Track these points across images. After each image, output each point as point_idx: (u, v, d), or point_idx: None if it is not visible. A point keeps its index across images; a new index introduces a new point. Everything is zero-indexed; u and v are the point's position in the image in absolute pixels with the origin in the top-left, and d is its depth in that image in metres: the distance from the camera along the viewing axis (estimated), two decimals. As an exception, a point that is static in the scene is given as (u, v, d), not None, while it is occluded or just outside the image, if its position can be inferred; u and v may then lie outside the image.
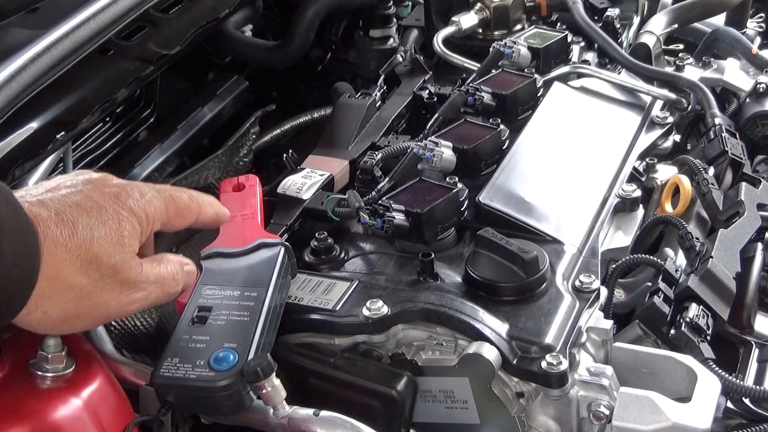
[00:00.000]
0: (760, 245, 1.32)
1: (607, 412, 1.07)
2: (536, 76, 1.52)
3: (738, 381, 1.13)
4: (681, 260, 1.33)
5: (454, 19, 1.82)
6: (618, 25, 1.80)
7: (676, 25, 1.86)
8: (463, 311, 1.12)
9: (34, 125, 1.21)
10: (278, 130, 1.83)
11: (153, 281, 1.00)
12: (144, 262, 0.99)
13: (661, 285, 1.23)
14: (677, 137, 1.64)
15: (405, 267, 1.23)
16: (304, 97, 2.06)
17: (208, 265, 1.17)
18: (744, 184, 1.42)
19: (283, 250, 1.17)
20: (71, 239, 0.90)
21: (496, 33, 1.83)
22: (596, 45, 1.75)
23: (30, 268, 0.86)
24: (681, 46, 1.92)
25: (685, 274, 1.25)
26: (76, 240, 0.91)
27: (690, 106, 1.65)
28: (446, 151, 1.31)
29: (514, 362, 1.09)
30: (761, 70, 1.72)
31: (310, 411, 1.05)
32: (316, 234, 1.27)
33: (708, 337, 1.19)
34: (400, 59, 1.79)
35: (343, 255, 1.27)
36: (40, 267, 0.87)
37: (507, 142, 1.40)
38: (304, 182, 1.37)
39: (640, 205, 1.41)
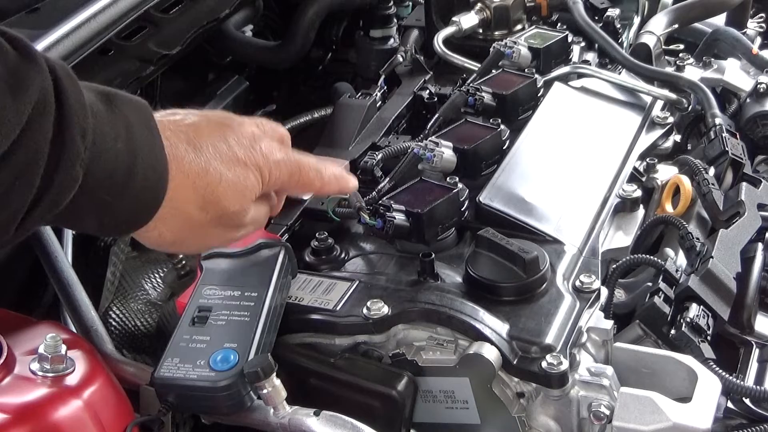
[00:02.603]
0: (760, 245, 1.32)
1: (607, 412, 1.07)
2: (536, 76, 1.52)
3: (738, 381, 1.13)
4: (681, 260, 1.33)
5: (454, 19, 1.82)
6: (618, 25, 1.80)
7: (676, 26, 1.86)
8: (464, 311, 1.12)
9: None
10: (279, 130, 1.83)
11: (254, 222, 1.06)
12: (253, 205, 1.04)
13: (662, 285, 1.23)
14: (678, 137, 1.64)
15: (405, 267, 1.23)
16: (304, 97, 2.06)
17: (209, 265, 1.17)
18: (744, 184, 1.42)
19: (283, 250, 1.17)
20: (200, 178, 0.96)
21: (496, 33, 1.83)
22: (596, 45, 1.75)
23: (156, 195, 0.92)
24: (681, 46, 1.92)
25: (685, 274, 1.25)
26: (206, 179, 0.96)
27: (690, 107, 1.65)
28: (446, 152, 1.31)
29: (515, 362, 1.09)
30: (761, 70, 1.72)
31: (310, 411, 1.04)
32: (317, 234, 1.27)
33: (708, 338, 1.19)
34: (401, 59, 1.79)
35: (343, 255, 1.27)
36: (166, 195, 0.93)
37: (507, 142, 1.40)
38: (304, 182, 1.37)
39: (641, 205, 1.41)
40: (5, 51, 0.79)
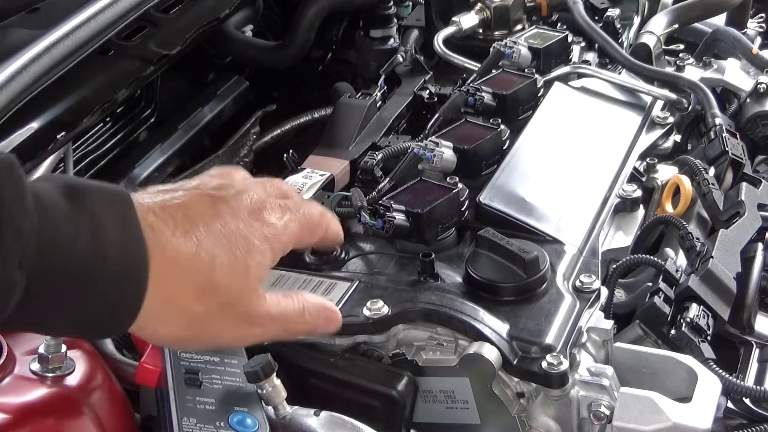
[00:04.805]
0: (760, 245, 1.32)
1: (607, 413, 1.07)
2: (537, 76, 1.52)
3: (738, 381, 1.13)
4: (681, 260, 1.33)
5: (454, 19, 1.81)
6: (618, 26, 1.79)
7: (676, 25, 1.86)
8: (464, 311, 1.12)
9: (34, 125, 1.21)
10: (279, 131, 1.84)
11: (274, 318, 0.92)
12: (268, 296, 0.91)
13: (662, 285, 1.23)
14: (678, 137, 1.64)
15: (405, 267, 1.23)
16: (304, 97, 2.06)
17: None
18: (744, 184, 1.42)
19: None
20: (191, 262, 0.84)
21: (496, 33, 1.83)
22: (597, 45, 1.75)
23: (135, 292, 0.81)
24: (681, 46, 1.92)
25: (685, 274, 1.25)
26: (197, 264, 0.84)
27: (690, 106, 1.65)
28: (447, 152, 1.31)
29: (515, 362, 1.09)
30: (762, 70, 1.71)
31: (310, 411, 1.04)
32: (317, 234, 1.27)
33: (708, 338, 1.19)
34: (401, 59, 1.79)
35: (343, 255, 1.27)
36: (149, 288, 0.81)
37: (507, 142, 1.40)
38: (304, 182, 1.37)
39: (641, 206, 1.41)
40: None
